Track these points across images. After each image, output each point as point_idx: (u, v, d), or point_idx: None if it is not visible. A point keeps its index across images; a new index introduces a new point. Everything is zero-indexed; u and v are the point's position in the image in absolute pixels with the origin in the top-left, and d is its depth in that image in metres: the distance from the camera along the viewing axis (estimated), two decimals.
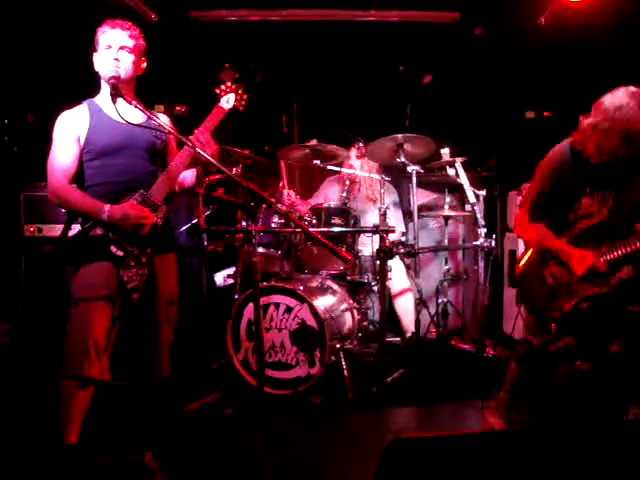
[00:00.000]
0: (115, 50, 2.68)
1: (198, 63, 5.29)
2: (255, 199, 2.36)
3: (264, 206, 2.55)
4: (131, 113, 2.69)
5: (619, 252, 2.70)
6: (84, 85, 2.83)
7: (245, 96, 2.89)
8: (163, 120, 2.71)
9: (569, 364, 2.92)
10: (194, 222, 4.75)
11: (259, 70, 5.66)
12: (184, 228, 4.98)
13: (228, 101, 2.85)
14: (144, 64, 2.82)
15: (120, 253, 2.63)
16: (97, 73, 2.74)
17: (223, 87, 2.87)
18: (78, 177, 2.72)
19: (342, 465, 2.96)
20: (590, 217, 2.80)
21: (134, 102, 2.60)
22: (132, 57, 2.71)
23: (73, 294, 2.63)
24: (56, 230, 4.39)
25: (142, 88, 2.83)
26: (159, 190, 2.71)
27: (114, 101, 2.62)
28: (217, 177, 4.52)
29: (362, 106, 5.67)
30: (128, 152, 2.71)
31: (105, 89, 2.75)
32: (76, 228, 2.68)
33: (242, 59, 5.50)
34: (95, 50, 2.73)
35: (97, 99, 2.78)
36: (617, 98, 2.60)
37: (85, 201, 2.64)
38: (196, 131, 2.75)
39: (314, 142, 4.60)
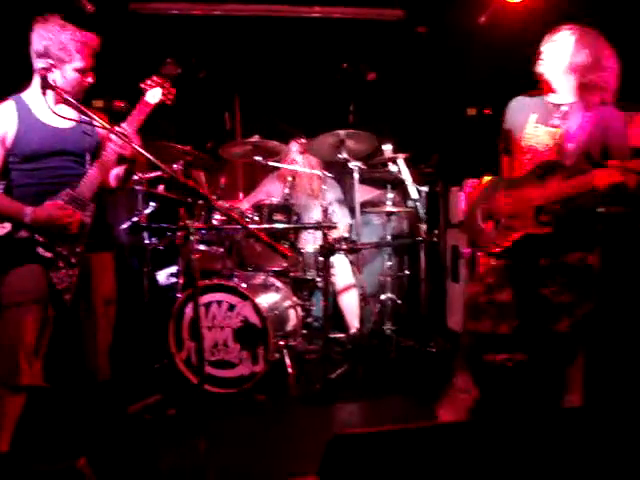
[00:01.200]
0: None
1: (139, 57, 5.17)
2: (194, 196, 2.32)
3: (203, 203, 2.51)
4: (62, 111, 2.61)
5: None
6: (17, 75, 2.73)
7: (173, 90, 2.83)
8: (95, 117, 2.57)
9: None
10: (135, 220, 4.64)
11: (202, 65, 5.58)
12: (125, 226, 4.86)
13: (154, 95, 2.78)
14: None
15: (48, 254, 2.56)
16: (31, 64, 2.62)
17: (149, 81, 2.79)
18: (4, 176, 2.62)
19: (286, 462, 2.95)
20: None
21: (65, 95, 2.52)
22: None
23: (2, 300, 2.55)
24: None
25: None
26: (87, 187, 2.62)
27: (44, 94, 2.53)
28: (157, 174, 4.44)
29: (305, 102, 5.67)
30: (58, 157, 2.64)
31: (36, 82, 2.63)
32: (7, 226, 2.57)
33: (184, 54, 5.40)
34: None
35: (25, 95, 2.67)
36: None
37: (5, 204, 2.57)
38: (121, 125, 2.65)
39: (256, 138, 4.56)
